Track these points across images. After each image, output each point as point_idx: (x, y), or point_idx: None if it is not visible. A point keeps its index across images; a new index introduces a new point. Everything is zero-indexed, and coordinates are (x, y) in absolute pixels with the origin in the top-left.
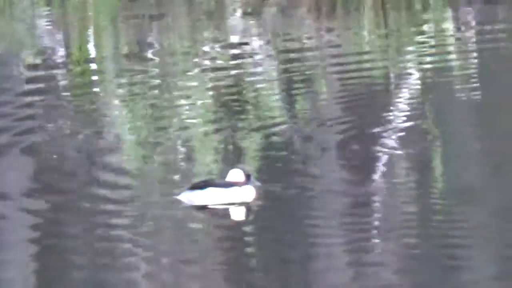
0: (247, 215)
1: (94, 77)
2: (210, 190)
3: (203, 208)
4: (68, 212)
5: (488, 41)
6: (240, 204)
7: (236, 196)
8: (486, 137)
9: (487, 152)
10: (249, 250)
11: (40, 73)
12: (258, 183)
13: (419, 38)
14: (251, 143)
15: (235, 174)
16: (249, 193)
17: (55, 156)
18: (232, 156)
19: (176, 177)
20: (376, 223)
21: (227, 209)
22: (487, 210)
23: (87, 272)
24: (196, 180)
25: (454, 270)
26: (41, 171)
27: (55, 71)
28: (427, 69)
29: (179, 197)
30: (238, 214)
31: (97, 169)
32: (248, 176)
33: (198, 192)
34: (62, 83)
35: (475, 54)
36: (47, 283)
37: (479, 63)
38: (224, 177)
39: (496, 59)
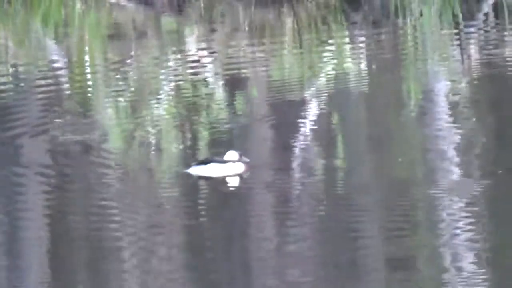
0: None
1: (88, 78)
2: (212, 165)
3: (206, 178)
4: (68, 179)
5: (374, 51)
6: (234, 175)
7: (231, 170)
8: (377, 127)
9: (376, 141)
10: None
11: (48, 75)
12: (246, 160)
13: (325, 50)
14: (203, 133)
15: (231, 154)
16: (240, 167)
17: (60, 138)
18: (189, 142)
19: (149, 155)
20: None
21: (224, 179)
22: (377, 192)
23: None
24: (201, 157)
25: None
26: (48, 150)
27: (59, 74)
28: (331, 73)
29: (189, 171)
30: (232, 182)
31: (90, 148)
32: (240, 155)
33: (203, 166)
34: (64, 83)
35: (364, 61)
36: (55, 230)
37: (368, 67)
38: (222, 156)
39: (380, 64)
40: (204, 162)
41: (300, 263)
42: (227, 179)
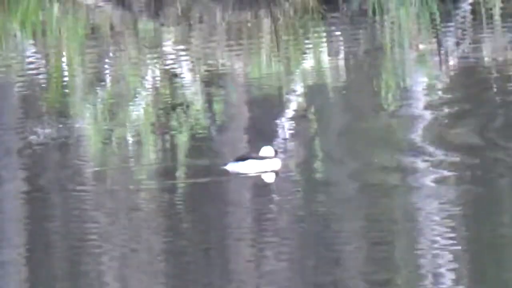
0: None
1: (65, 80)
2: (250, 161)
3: (244, 175)
4: (46, 181)
5: (352, 50)
6: (271, 172)
7: (268, 166)
8: (354, 126)
9: (353, 140)
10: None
11: (26, 79)
12: (282, 156)
13: (302, 54)
14: (182, 136)
15: (267, 150)
16: (277, 164)
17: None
18: (168, 145)
19: (128, 157)
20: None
21: (261, 176)
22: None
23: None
24: (239, 155)
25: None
26: (25, 152)
27: (36, 76)
28: (309, 71)
29: (226, 167)
30: (268, 178)
31: (67, 151)
32: (275, 152)
33: (241, 163)
34: (42, 84)
35: (342, 60)
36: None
37: (345, 65)
38: (257, 152)
39: (357, 63)
40: (242, 158)
41: (278, 281)
42: (263, 175)
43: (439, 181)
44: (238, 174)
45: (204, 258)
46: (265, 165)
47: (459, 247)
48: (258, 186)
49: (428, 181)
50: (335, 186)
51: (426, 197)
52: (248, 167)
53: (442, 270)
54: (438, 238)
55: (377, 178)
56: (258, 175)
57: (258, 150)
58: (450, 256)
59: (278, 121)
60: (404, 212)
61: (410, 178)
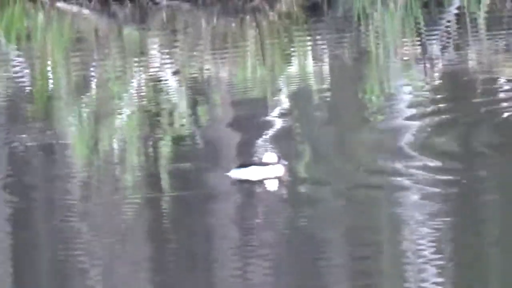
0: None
1: (50, 91)
2: (252, 168)
3: (247, 181)
4: (29, 189)
5: (336, 56)
6: (274, 178)
7: (271, 172)
8: (339, 134)
9: (339, 148)
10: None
11: (11, 85)
12: (285, 162)
13: (287, 60)
14: (166, 144)
15: (270, 156)
16: (280, 170)
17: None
18: (153, 152)
19: (114, 165)
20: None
21: (263, 182)
22: (337, 192)
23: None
24: (241, 161)
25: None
26: (10, 160)
27: (21, 84)
28: (293, 81)
29: (229, 174)
30: (271, 184)
31: (52, 158)
32: (278, 158)
33: (243, 169)
34: (27, 93)
35: (326, 66)
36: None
37: (330, 72)
38: (260, 159)
39: (342, 69)
40: (245, 165)
41: None
42: (267, 182)
43: (424, 192)
44: (240, 180)
45: (189, 271)
46: (268, 171)
47: (445, 260)
48: (244, 196)
49: (413, 193)
50: (319, 197)
51: (412, 209)
52: (251, 173)
53: (428, 283)
54: (423, 251)
55: (362, 190)
56: (261, 181)
57: (260, 156)
58: (435, 269)
59: (262, 127)
60: (389, 225)
61: (395, 188)
